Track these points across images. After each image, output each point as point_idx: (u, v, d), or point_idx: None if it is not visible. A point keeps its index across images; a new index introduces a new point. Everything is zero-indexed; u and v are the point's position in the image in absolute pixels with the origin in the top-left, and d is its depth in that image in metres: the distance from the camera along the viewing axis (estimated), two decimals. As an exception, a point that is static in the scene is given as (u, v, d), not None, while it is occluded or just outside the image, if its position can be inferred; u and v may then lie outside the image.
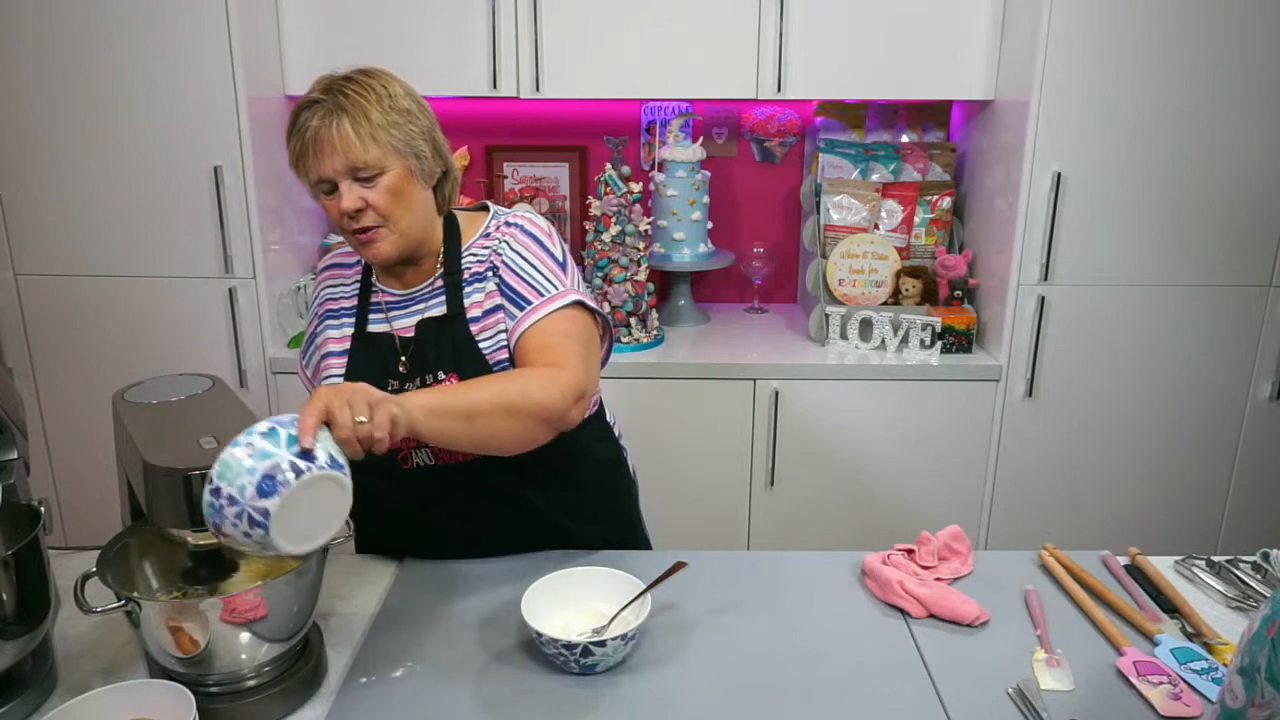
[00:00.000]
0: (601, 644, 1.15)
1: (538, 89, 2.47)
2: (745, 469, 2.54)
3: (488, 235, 1.42)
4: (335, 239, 2.78)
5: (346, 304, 1.45)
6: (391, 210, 1.31)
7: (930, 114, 2.80)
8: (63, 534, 2.50)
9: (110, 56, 2.28)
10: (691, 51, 2.45)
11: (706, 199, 2.72)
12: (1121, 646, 1.21)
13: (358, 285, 1.45)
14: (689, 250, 2.73)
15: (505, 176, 2.88)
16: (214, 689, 1.09)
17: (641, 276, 2.55)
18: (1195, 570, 1.41)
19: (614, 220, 2.49)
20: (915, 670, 1.20)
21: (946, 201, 2.68)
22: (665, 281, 2.84)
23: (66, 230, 2.41)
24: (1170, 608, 1.32)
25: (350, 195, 1.29)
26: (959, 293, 2.58)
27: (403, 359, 1.38)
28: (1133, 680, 1.15)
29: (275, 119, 2.48)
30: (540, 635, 1.16)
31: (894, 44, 2.45)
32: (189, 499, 1.03)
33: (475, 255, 1.40)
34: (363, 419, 1.06)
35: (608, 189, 2.50)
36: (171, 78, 2.30)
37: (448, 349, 1.36)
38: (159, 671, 1.11)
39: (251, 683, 1.11)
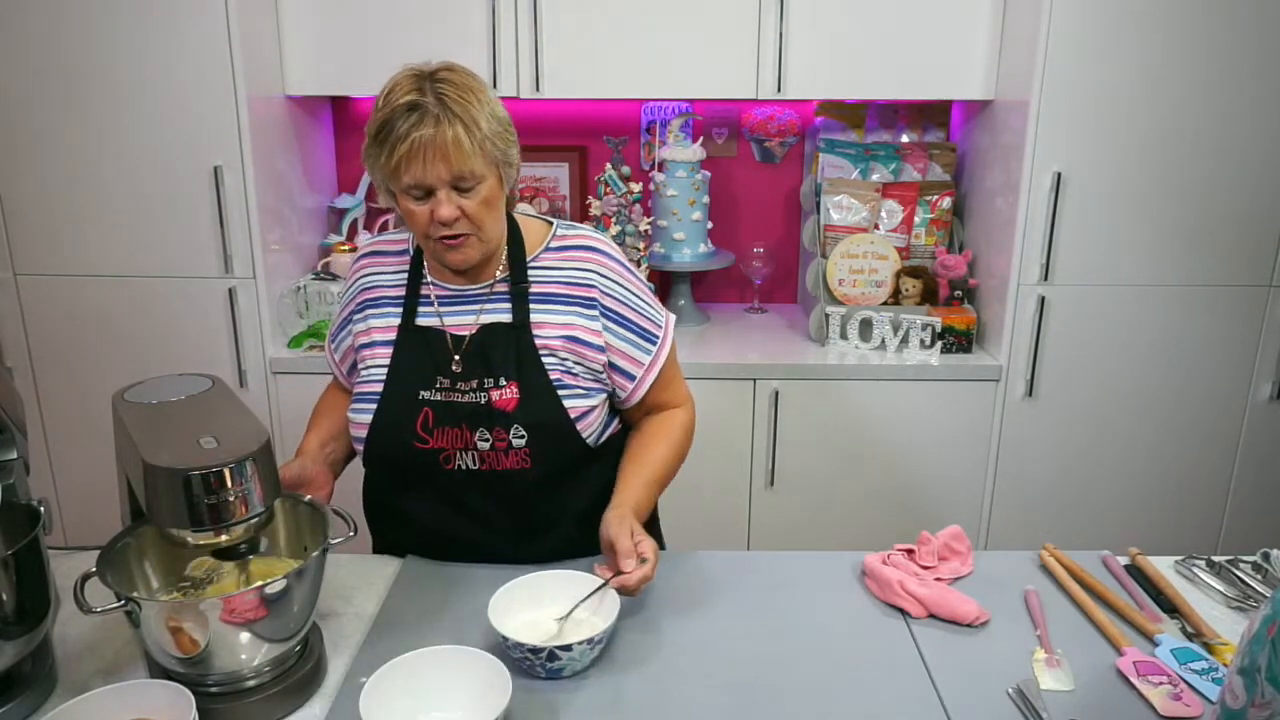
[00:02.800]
0: (568, 648, 1.14)
1: (538, 89, 2.47)
2: (745, 469, 2.54)
3: (560, 252, 1.41)
4: (335, 239, 2.78)
5: (391, 293, 1.43)
6: (484, 220, 1.31)
7: (930, 114, 2.80)
8: (63, 534, 2.50)
9: (110, 56, 2.28)
10: (691, 51, 2.45)
11: (706, 199, 2.72)
12: (1121, 646, 1.21)
13: (404, 275, 1.43)
14: (689, 250, 2.73)
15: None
16: (214, 689, 1.09)
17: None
18: (1195, 570, 1.41)
19: (614, 220, 2.49)
20: (915, 670, 1.20)
21: (946, 201, 2.68)
22: (665, 281, 2.84)
23: (66, 230, 2.41)
24: (1170, 608, 1.32)
25: (450, 204, 1.27)
26: (959, 293, 2.58)
27: (456, 358, 1.37)
28: (1133, 680, 1.15)
29: (275, 119, 2.48)
30: (506, 639, 1.16)
31: (894, 44, 2.45)
32: (189, 499, 1.03)
33: (545, 268, 1.40)
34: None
35: (608, 189, 2.50)
36: (171, 78, 2.30)
37: (511, 357, 1.36)
38: (159, 671, 1.11)
39: (251, 683, 1.11)
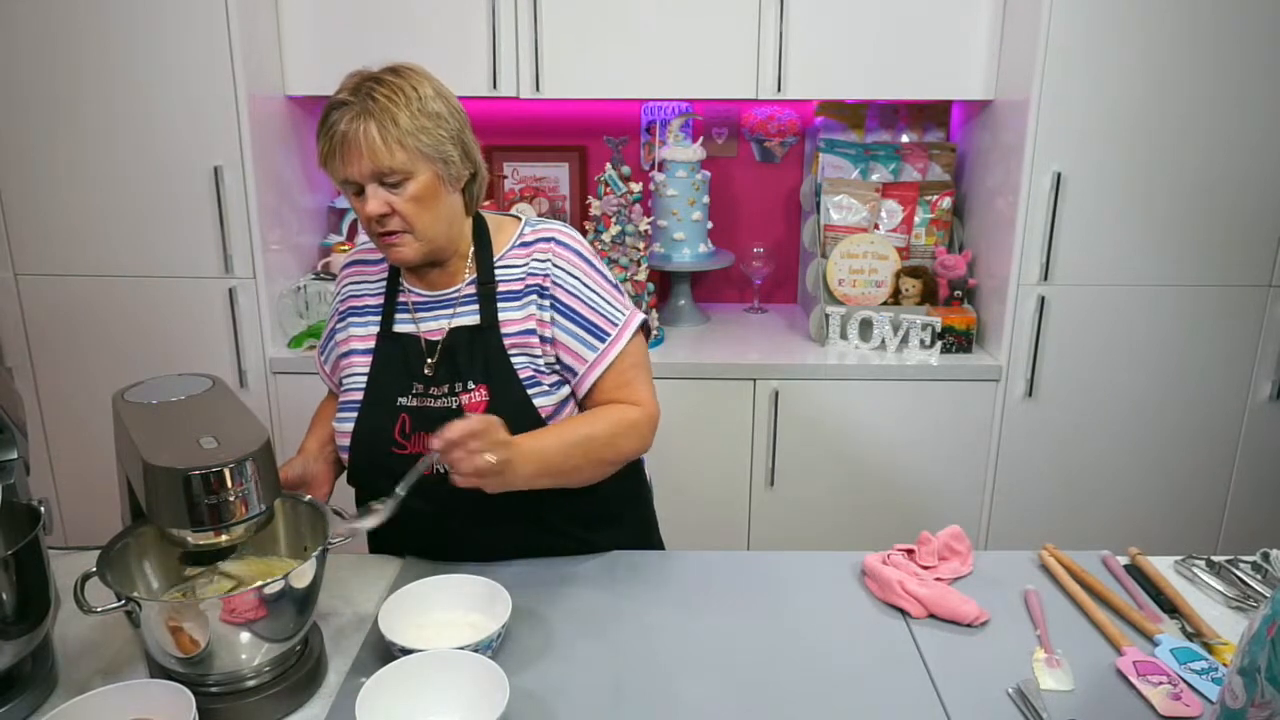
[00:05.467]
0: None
1: (538, 89, 2.47)
2: (745, 469, 2.54)
3: (524, 247, 1.41)
4: (335, 239, 2.78)
5: (372, 302, 1.44)
6: (416, 217, 1.30)
7: (930, 114, 2.80)
8: (63, 534, 2.50)
9: (110, 56, 2.28)
10: (691, 51, 2.45)
11: (706, 199, 2.72)
12: (1121, 646, 1.21)
13: (383, 283, 1.44)
14: (689, 250, 2.73)
15: (505, 176, 2.88)
16: (214, 689, 1.09)
17: (641, 276, 2.55)
18: (1195, 570, 1.41)
19: (614, 220, 2.49)
20: (915, 670, 1.20)
21: (946, 201, 2.68)
22: (665, 281, 2.84)
23: (66, 230, 2.41)
24: (1170, 608, 1.32)
25: (376, 200, 1.28)
26: (959, 293, 2.58)
27: (428, 361, 1.38)
28: (1133, 680, 1.15)
29: (275, 119, 2.48)
30: (395, 645, 1.16)
31: (894, 44, 2.45)
32: (189, 499, 1.03)
33: (511, 266, 1.40)
34: (490, 458, 1.19)
35: (608, 189, 2.50)
36: (171, 78, 2.30)
37: (479, 360, 1.36)
38: (159, 671, 1.11)
39: (251, 683, 1.11)
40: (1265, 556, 1.40)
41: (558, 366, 1.40)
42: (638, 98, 2.64)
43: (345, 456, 1.43)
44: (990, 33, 2.44)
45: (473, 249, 1.41)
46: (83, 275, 2.44)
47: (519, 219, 1.46)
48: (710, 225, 2.77)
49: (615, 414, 1.38)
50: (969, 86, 2.50)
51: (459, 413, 1.35)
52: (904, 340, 2.51)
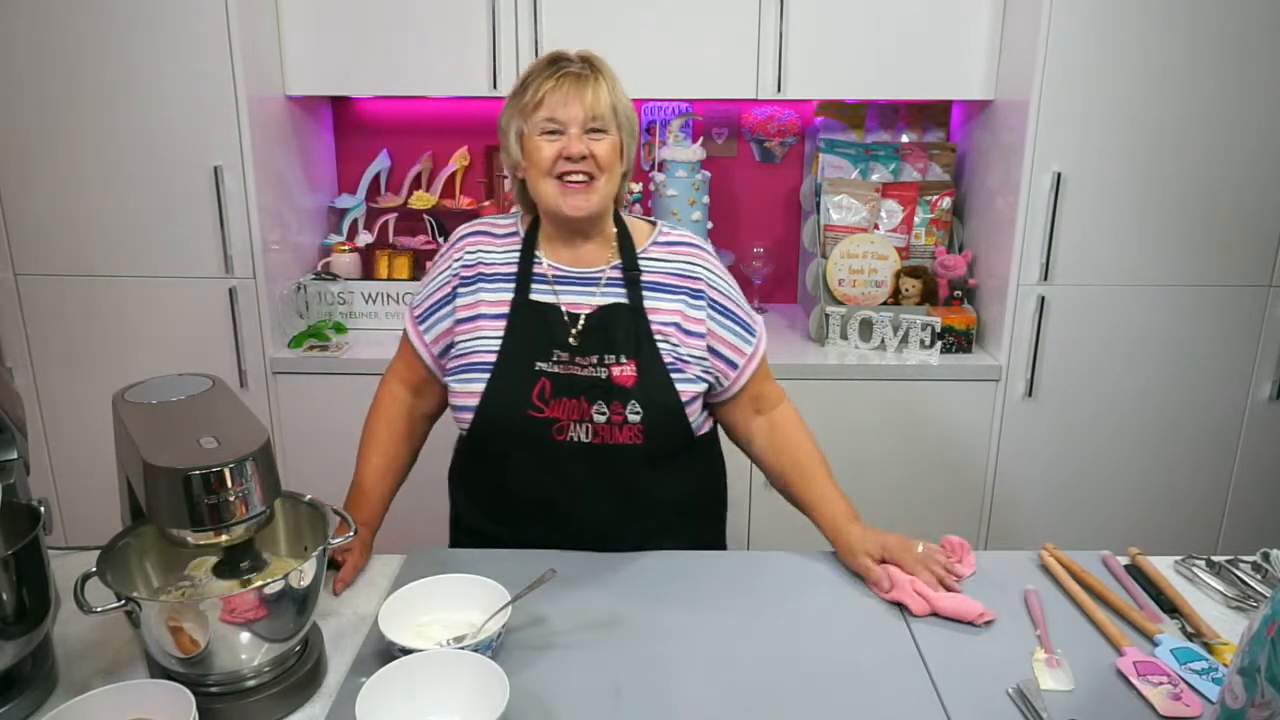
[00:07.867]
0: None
1: (538, 89, 2.47)
2: (745, 469, 2.53)
3: (664, 246, 1.50)
4: (335, 239, 2.78)
5: (503, 269, 1.48)
6: (609, 165, 1.41)
7: (930, 114, 2.80)
8: (63, 534, 2.50)
9: (110, 57, 2.28)
10: (691, 51, 2.45)
11: (706, 199, 2.72)
12: (1121, 646, 1.21)
13: (515, 253, 1.49)
14: (689, 250, 2.73)
15: (505, 176, 2.88)
16: (214, 689, 1.09)
17: (641, 276, 2.54)
18: (1195, 570, 1.41)
19: (614, 220, 2.49)
20: (915, 670, 1.20)
21: (946, 201, 2.68)
22: (665, 281, 2.84)
23: (66, 230, 2.41)
24: (1170, 608, 1.32)
25: (581, 142, 1.39)
26: (959, 293, 2.58)
27: (573, 332, 1.43)
28: (1133, 680, 1.15)
29: (275, 119, 2.48)
30: (395, 645, 1.16)
31: (894, 44, 2.45)
32: (189, 499, 1.03)
33: (654, 260, 1.49)
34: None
35: (608, 189, 2.50)
36: (171, 78, 2.30)
37: (632, 337, 1.43)
38: (159, 671, 1.11)
39: (251, 683, 1.11)
40: (1265, 556, 1.40)
41: (706, 361, 1.47)
42: (638, 98, 2.62)
43: (467, 417, 1.45)
44: (990, 33, 2.44)
45: (616, 238, 1.50)
46: (83, 275, 2.44)
47: (653, 223, 1.55)
48: (710, 225, 2.77)
49: (795, 425, 1.57)
50: (969, 86, 2.50)
51: (607, 383, 1.41)
52: (904, 340, 2.51)
